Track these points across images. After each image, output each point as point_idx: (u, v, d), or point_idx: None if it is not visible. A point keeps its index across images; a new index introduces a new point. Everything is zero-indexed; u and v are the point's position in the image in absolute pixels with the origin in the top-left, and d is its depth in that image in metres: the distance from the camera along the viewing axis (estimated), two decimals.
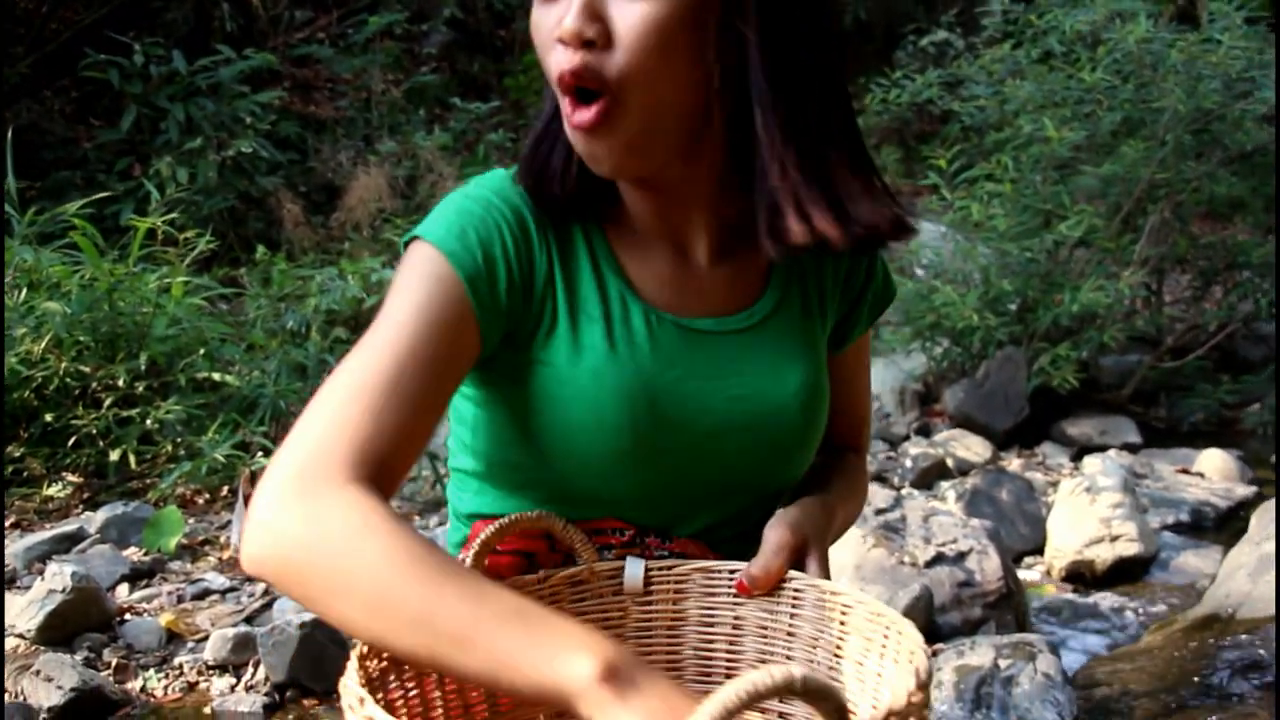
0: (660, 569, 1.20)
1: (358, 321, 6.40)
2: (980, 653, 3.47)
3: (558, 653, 0.82)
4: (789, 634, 1.18)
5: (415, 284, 1.09)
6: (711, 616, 1.22)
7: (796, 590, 1.18)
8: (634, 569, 1.18)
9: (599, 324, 1.17)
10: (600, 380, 1.15)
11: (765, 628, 1.20)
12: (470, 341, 1.11)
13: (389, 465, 0.99)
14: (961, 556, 4.05)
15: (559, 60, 1.06)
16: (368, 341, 1.07)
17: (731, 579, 1.21)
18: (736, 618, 1.22)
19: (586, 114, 1.07)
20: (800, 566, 1.20)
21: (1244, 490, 5.70)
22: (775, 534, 1.20)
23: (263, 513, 0.94)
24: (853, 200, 1.14)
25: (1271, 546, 3.91)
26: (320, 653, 3.60)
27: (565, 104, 1.09)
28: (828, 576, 1.20)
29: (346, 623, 0.90)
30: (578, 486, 1.19)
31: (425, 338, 1.05)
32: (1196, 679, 3.48)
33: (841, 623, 1.13)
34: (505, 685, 0.85)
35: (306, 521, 0.92)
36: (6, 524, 4.78)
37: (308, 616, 3.66)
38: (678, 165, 1.16)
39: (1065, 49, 7.42)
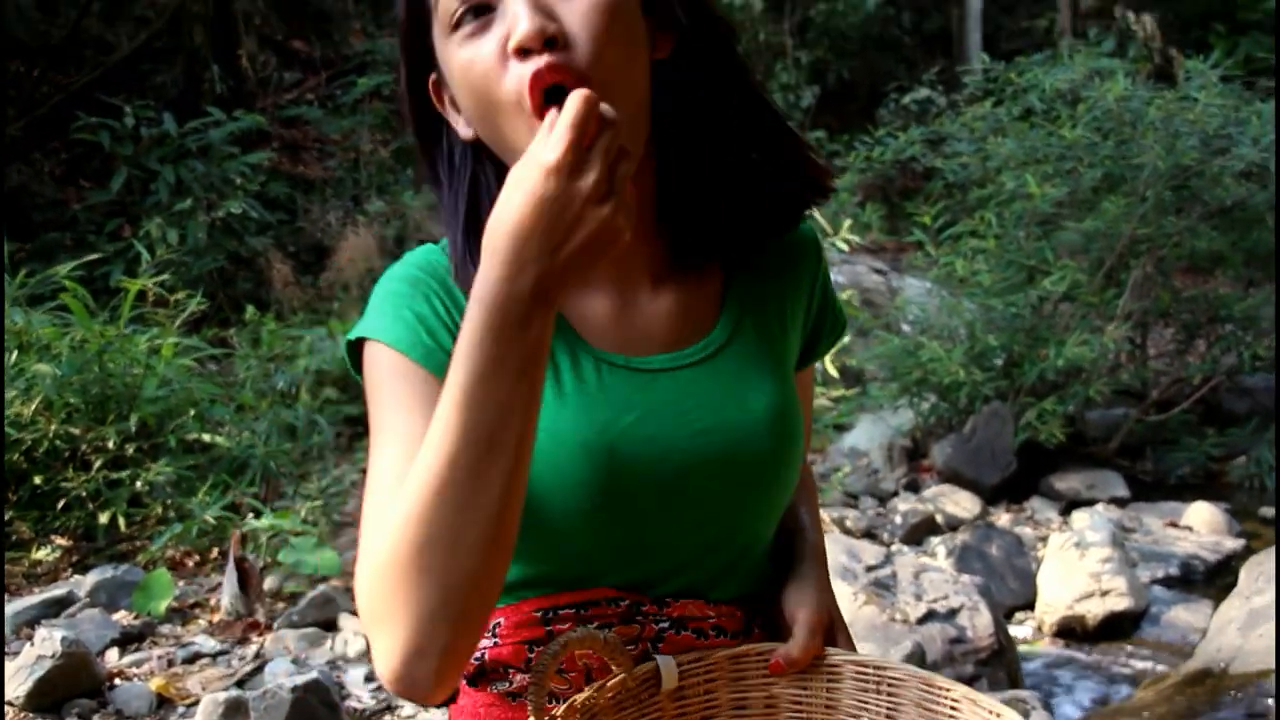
0: (690, 661, 1.17)
1: (346, 381, 6.41)
2: None
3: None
4: (827, 707, 1.17)
5: (388, 388, 1.08)
6: (745, 699, 1.19)
7: (833, 666, 1.17)
8: (667, 667, 1.15)
9: (550, 381, 1.11)
10: (556, 438, 1.09)
11: (799, 703, 1.18)
12: None
13: None
14: (953, 613, 4.06)
15: (520, 72, 1.00)
16: (378, 457, 1.05)
17: (760, 661, 1.18)
18: (769, 697, 1.19)
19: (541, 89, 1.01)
20: (830, 640, 1.20)
21: (1232, 543, 5.71)
22: (805, 614, 1.19)
23: (380, 628, 0.95)
24: (795, 175, 1.19)
25: (1262, 600, 3.93)
26: (312, 715, 3.60)
27: (534, 124, 1.00)
28: (852, 646, 1.21)
29: (474, 553, 0.94)
30: (557, 553, 1.15)
31: (422, 433, 1.00)
32: None
33: (890, 694, 1.13)
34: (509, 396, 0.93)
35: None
36: None
37: (299, 680, 3.65)
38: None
39: (1046, 106, 7.48)
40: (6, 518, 5.05)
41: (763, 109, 1.17)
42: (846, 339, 6.48)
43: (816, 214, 8.09)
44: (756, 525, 1.22)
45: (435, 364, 1.06)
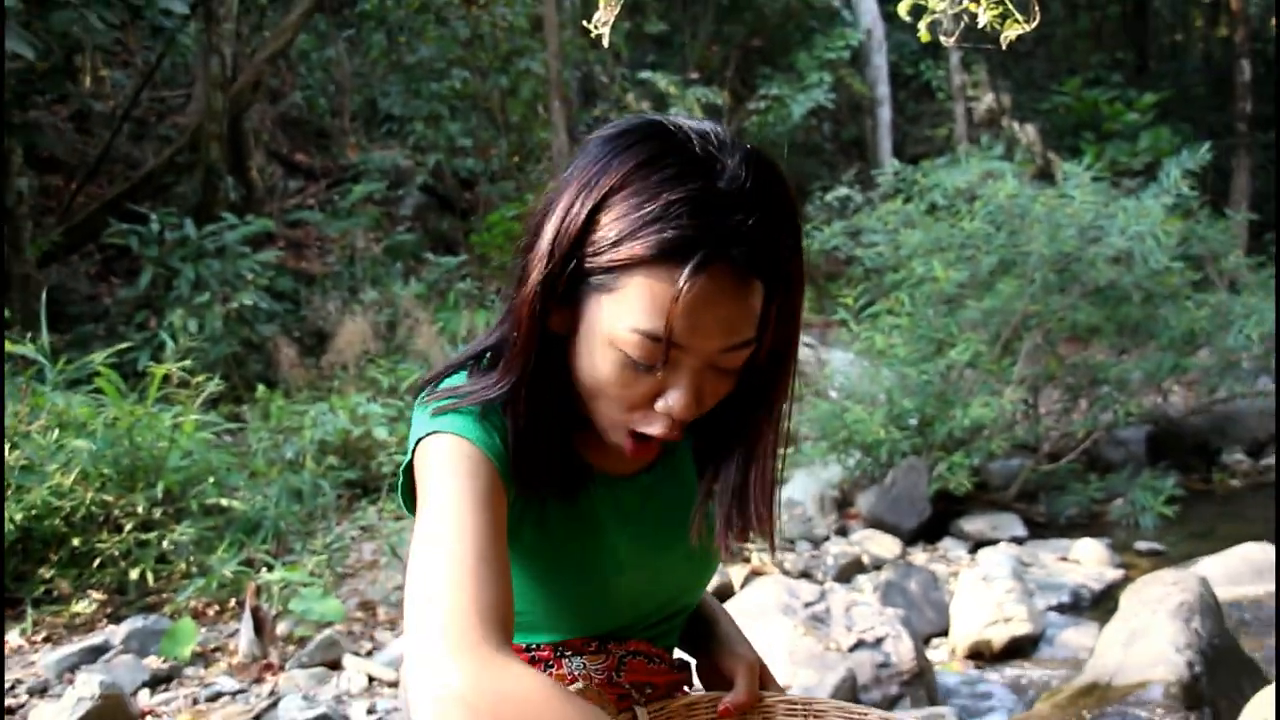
0: (655, 710, 1.25)
1: (346, 449, 6.40)
2: None
3: None
4: None
5: (452, 467, 1.04)
6: None
7: (766, 706, 1.26)
8: (641, 715, 1.23)
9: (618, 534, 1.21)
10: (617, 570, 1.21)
11: None
12: (506, 506, 1.07)
13: (508, 622, 0.98)
14: (879, 641, 4.07)
15: (651, 424, 1.07)
16: (437, 527, 1.00)
17: (710, 707, 1.26)
18: None
19: (650, 453, 1.12)
20: (761, 683, 1.29)
21: (1113, 573, 5.76)
22: (743, 668, 1.28)
23: (438, 675, 0.91)
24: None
25: (1139, 622, 3.97)
26: None
27: (629, 442, 1.10)
28: (776, 682, 1.31)
29: None
30: (563, 616, 1.21)
31: (484, 508, 1.02)
32: None
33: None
34: None
35: (487, 682, 0.90)
36: (39, 638, 4.73)
37: (310, 714, 3.65)
38: None
39: (948, 202, 7.59)
40: (49, 575, 5.03)
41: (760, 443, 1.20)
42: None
43: None
44: (690, 600, 1.32)
45: (500, 461, 1.07)
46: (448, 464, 1.04)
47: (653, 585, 1.24)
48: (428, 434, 1.07)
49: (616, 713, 1.22)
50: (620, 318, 1.01)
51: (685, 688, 1.33)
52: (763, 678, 1.30)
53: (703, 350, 1.03)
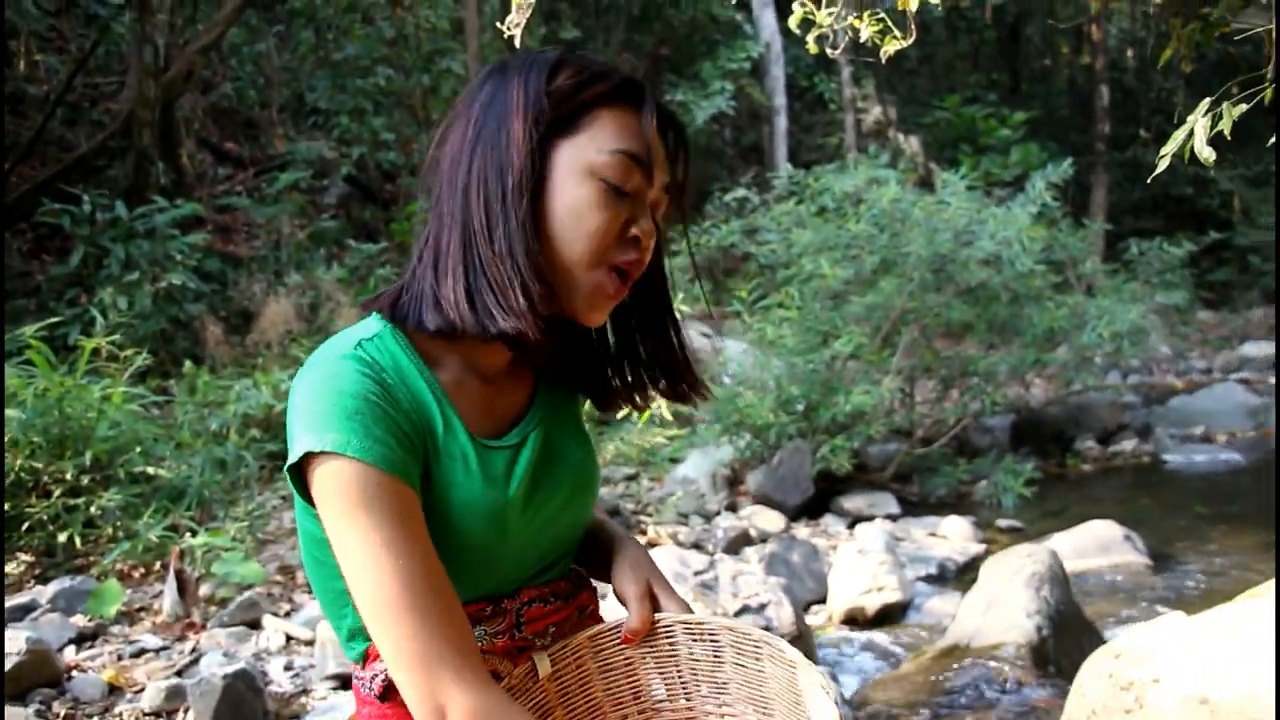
0: (558, 649, 1.22)
1: (269, 423, 6.30)
2: None
3: None
4: (669, 658, 1.24)
5: (367, 505, 1.00)
6: (608, 665, 1.25)
7: (666, 627, 1.23)
8: (540, 660, 1.20)
9: (458, 461, 1.11)
10: (469, 507, 1.10)
11: (649, 659, 1.24)
12: (419, 503, 1.06)
13: (475, 648, 1.03)
14: (763, 607, 4.11)
15: (627, 252, 1.10)
16: (374, 569, 0.99)
17: (614, 635, 1.23)
18: (626, 659, 1.25)
19: (621, 294, 1.13)
20: (656, 604, 1.24)
21: (976, 548, 5.87)
22: (633, 590, 1.23)
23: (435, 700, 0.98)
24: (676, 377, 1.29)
25: (996, 591, 4.09)
26: (239, 699, 3.55)
27: (610, 278, 1.10)
28: (675, 595, 1.25)
29: None
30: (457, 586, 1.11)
31: (414, 541, 1.01)
32: (943, 694, 3.63)
33: (712, 642, 1.21)
34: None
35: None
36: None
37: (230, 669, 3.60)
38: None
39: (836, 205, 7.68)
40: None
41: (668, 313, 1.26)
42: None
43: None
44: (578, 534, 1.28)
45: (405, 473, 1.03)
46: (360, 507, 1.00)
47: (539, 538, 1.19)
48: (322, 450, 1.00)
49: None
50: (599, 145, 1.08)
51: (584, 605, 1.29)
52: (658, 596, 1.24)
53: (658, 180, 1.12)
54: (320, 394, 1.03)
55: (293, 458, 1.02)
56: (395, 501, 1.01)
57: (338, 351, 1.07)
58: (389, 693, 1.13)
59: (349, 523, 1.00)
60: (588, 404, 1.35)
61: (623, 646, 1.24)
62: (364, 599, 1.00)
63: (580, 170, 1.08)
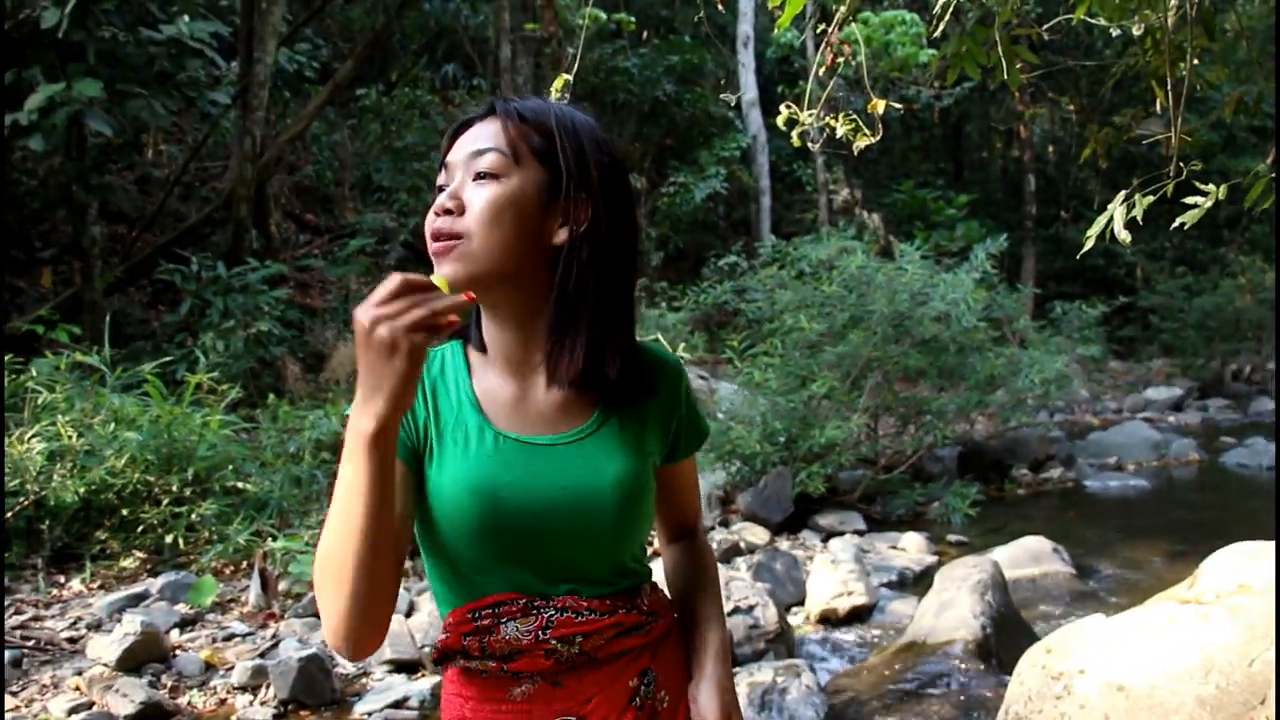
0: None
1: (337, 447, 6.32)
2: (764, 673, 3.55)
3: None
4: None
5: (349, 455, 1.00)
6: None
7: None
8: None
9: (460, 445, 1.11)
10: (457, 483, 1.09)
11: None
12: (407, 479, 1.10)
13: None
14: (751, 608, 4.10)
15: (430, 221, 1.09)
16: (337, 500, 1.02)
17: None
18: None
19: (436, 246, 1.08)
20: None
21: (930, 559, 5.83)
22: (711, 707, 1.19)
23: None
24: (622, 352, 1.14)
25: (947, 596, 4.06)
26: (312, 678, 3.56)
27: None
28: None
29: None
30: (465, 562, 1.11)
31: (354, 487, 1.00)
32: (903, 683, 3.60)
33: None
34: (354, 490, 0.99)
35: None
36: (95, 586, 4.63)
37: (304, 653, 3.61)
38: (521, 304, 1.12)
39: (812, 270, 7.70)
40: (104, 537, 4.94)
41: (626, 310, 1.16)
42: None
43: (661, 339, 8.24)
44: (608, 552, 1.16)
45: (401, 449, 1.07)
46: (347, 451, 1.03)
47: (563, 538, 1.12)
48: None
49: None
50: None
51: (623, 622, 1.16)
52: None
53: (452, 163, 1.13)
54: None
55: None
56: (358, 458, 0.98)
57: None
58: (443, 658, 1.14)
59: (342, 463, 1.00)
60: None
61: None
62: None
63: None
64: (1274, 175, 2.39)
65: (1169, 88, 2.42)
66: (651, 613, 1.20)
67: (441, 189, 1.12)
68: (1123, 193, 2.21)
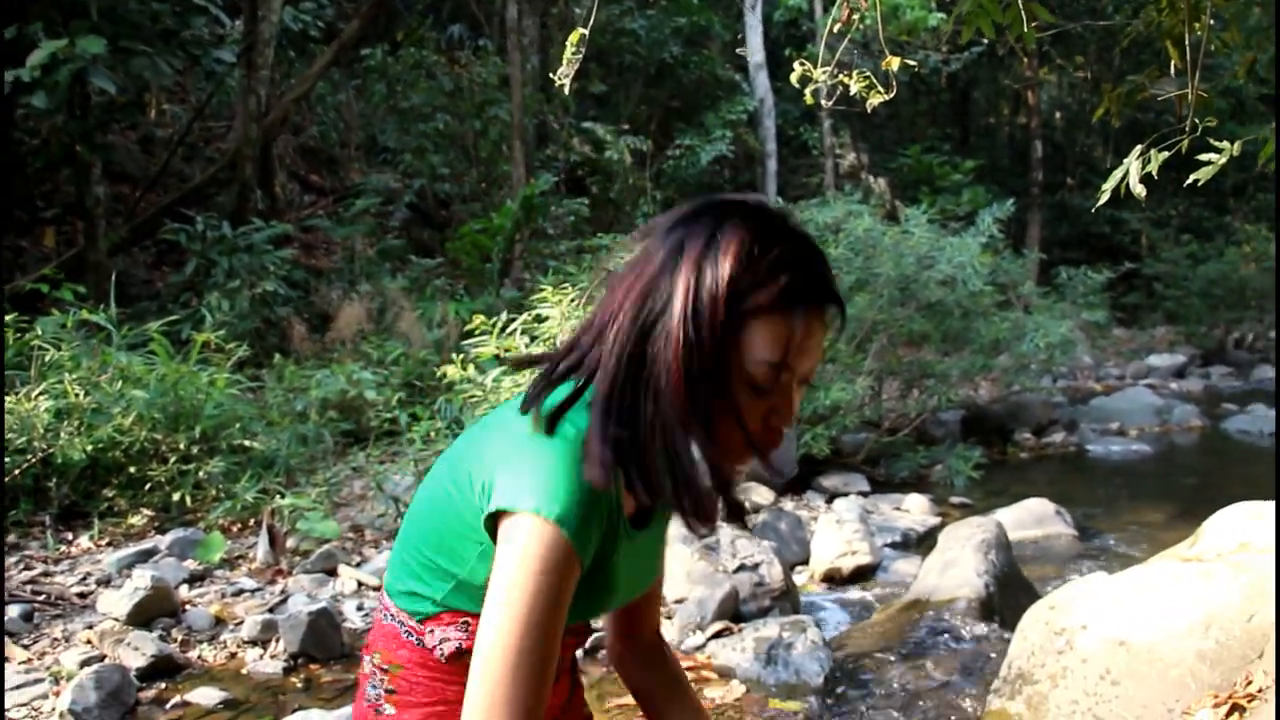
0: None
1: (342, 405, 6.32)
2: (770, 628, 3.59)
3: None
4: None
5: (549, 574, 0.91)
6: None
7: None
8: None
9: (621, 541, 1.06)
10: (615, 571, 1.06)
11: None
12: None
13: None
14: (756, 566, 4.12)
15: (769, 439, 1.02)
16: (513, 618, 0.91)
17: None
18: None
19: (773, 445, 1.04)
20: None
21: (933, 520, 5.86)
22: None
23: None
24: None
25: (951, 555, 4.08)
26: (321, 632, 3.60)
27: (748, 455, 1.04)
28: None
29: None
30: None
31: (560, 621, 0.94)
32: (906, 640, 3.63)
33: None
34: None
35: None
36: (104, 543, 4.66)
37: (313, 608, 3.64)
38: None
39: (819, 234, 7.60)
40: (111, 495, 4.96)
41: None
42: None
43: None
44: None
45: (584, 563, 0.96)
46: (540, 566, 0.91)
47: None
48: (532, 512, 0.91)
49: None
50: (751, 357, 0.96)
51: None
52: None
53: (799, 369, 0.99)
54: (563, 471, 0.93)
55: (510, 505, 0.93)
56: (569, 585, 0.93)
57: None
58: (458, 656, 1.07)
59: (529, 579, 0.91)
60: None
61: None
62: (495, 638, 0.91)
63: (739, 374, 0.97)
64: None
65: (1185, 47, 2.39)
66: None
67: (778, 369, 0.97)
68: (1138, 147, 2.19)
